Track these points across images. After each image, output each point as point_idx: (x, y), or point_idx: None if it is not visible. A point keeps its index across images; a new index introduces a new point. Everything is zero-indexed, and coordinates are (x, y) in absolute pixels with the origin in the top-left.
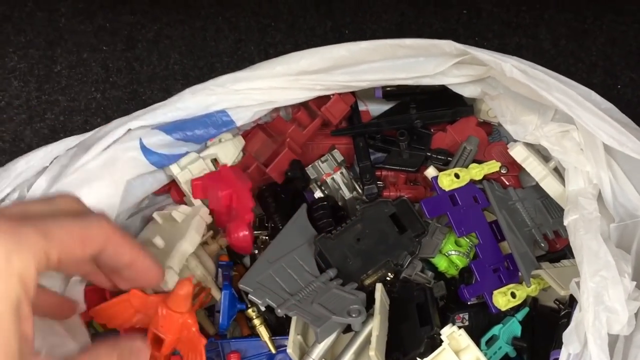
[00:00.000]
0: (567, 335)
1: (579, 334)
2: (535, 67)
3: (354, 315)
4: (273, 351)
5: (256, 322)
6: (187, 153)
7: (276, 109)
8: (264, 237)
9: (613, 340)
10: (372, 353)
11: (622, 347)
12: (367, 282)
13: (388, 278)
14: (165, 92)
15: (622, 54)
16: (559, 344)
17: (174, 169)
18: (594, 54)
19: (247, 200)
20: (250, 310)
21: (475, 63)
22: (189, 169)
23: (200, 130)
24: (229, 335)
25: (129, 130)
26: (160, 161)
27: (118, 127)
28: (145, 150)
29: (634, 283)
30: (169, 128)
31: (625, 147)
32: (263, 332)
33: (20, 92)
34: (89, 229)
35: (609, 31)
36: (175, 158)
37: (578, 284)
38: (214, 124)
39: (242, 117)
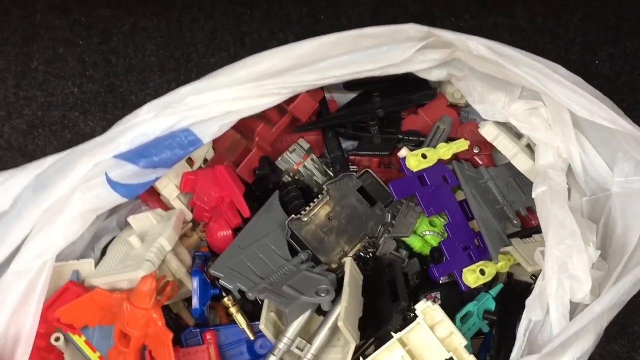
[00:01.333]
0: (530, 302)
1: (542, 301)
2: (500, 45)
3: (322, 295)
4: (252, 337)
5: (233, 310)
6: (157, 179)
7: None
8: None
9: (573, 309)
10: (340, 324)
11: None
12: (345, 259)
13: (369, 255)
14: (142, 84)
15: (600, 29)
16: None
17: None
18: (572, 30)
19: (242, 207)
20: (226, 299)
21: (440, 47)
22: (166, 175)
23: (167, 154)
24: (211, 324)
25: (94, 165)
26: (131, 192)
27: (80, 163)
28: (112, 184)
29: (599, 252)
30: (133, 156)
31: (596, 117)
32: (240, 319)
33: None
34: None
35: (586, 7)
36: (146, 186)
37: (543, 253)
38: (180, 146)
39: (209, 134)
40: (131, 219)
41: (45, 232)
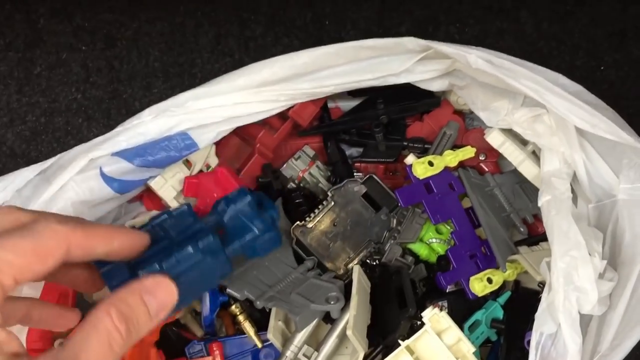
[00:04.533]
0: (539, 316)
1: (552, 314)
2: (500, 56)
3: (332, 302)
4: (259, 345)
5: (240, 318)
6: (149, 178)
7: None
8: None
9: (587, 319)
10: (349, 332)
11: (596, 327)
12: (351, 265)
13: (371, 262)
14: (146, 89)
15: (604, 35)
16: (532, 326)
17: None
18: (577, 35)
19: None
20: (233, 307)
21: (440, 57)
22: (161, 175)
23: (161, 155)
24: (216, 335)
25: (90, 160)
26: (124, 187)
27: (78, 158)
28: (106, 178)
29: (605, 262)
30: (129, 155)
31: (597, 129)
32: (248, 327)
33: (0, 95)
34: (40, 239)
35: (591, 12)
36: (139, 183)
37: (549, 264)
38: (175, 148)
39: (205, 139)
40: (129, 224)
41: None
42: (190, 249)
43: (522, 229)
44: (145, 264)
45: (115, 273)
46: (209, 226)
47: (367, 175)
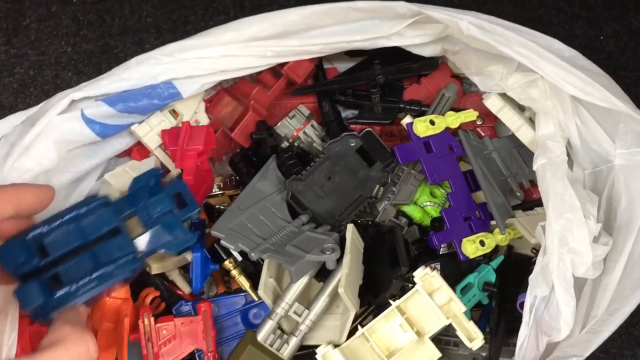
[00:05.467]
0: (533, 278)
1: (545, 277)
2: (492, 21)
3: (327, 252)
4: (255, 298)
5: (234, 272)
6: (132, 124)
7: None
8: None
9: (581, 283)
10: (341, 290)
11: (590, 291)
12: (344, 220)
13: (364, 222)
14: (138, 45)
15: (605, 4)
16: (526, 288)
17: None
18: (577, 4)
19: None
20: (227, 262)
21: (432, 21)
22: (147, 122)
23: (143, 102)
24: (205, 295)
25: (72, 101)
26: (104, 131)
27: (60, 99)
28: (87, 120)
29: (600, 225)
30: (111, 100)
31: (590, 97)
32: (243, 281)
33: None
34: None
35: None
36: (121, 128)
37: (544, 227)
38: (158, 96)
39: (189, 89)
40: (108, 176)
41: (20, 161)
42: (109, 268)
43: (518, 193)
44: (61, 281)
45: (29, 295)
46: (124, 216)
47: (365, 130)
